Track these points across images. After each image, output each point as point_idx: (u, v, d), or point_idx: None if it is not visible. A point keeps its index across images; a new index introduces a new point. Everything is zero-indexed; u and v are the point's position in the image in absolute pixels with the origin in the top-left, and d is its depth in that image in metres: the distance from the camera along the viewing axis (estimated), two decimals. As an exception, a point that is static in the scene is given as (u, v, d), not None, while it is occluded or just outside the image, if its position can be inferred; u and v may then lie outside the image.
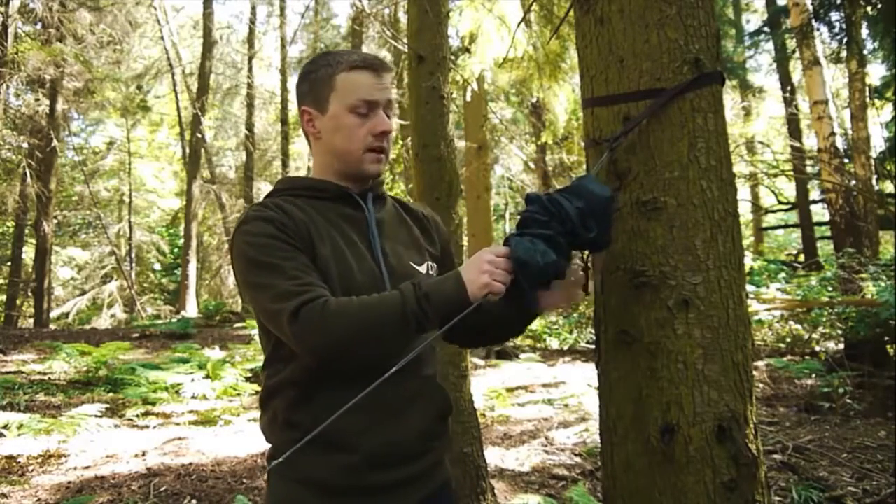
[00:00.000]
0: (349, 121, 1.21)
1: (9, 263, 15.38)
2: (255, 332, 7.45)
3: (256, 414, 5.23)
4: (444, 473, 1.29)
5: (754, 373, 1.45)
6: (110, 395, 5.95)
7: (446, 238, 1.43)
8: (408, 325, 1.05)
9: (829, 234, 9.26)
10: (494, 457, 4.00)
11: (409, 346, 1.08)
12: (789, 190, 14.16)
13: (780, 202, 13.27)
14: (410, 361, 1.04)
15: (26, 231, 14.77)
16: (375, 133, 1.21)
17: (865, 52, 8.10)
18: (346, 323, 1.05)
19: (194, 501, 3.36)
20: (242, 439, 4.50)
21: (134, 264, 19.10)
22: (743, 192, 15.33)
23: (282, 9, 19.25)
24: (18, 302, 15.24)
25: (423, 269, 1.27)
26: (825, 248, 12.02)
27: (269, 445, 1.22)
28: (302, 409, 1.14)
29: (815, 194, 12.23)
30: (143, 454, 4.14)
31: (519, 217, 1.13)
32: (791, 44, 9.47)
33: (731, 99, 13.65)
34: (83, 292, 17.92)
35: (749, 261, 9.16)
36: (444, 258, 1.38)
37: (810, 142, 12.01)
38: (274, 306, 1.07)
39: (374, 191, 1.29)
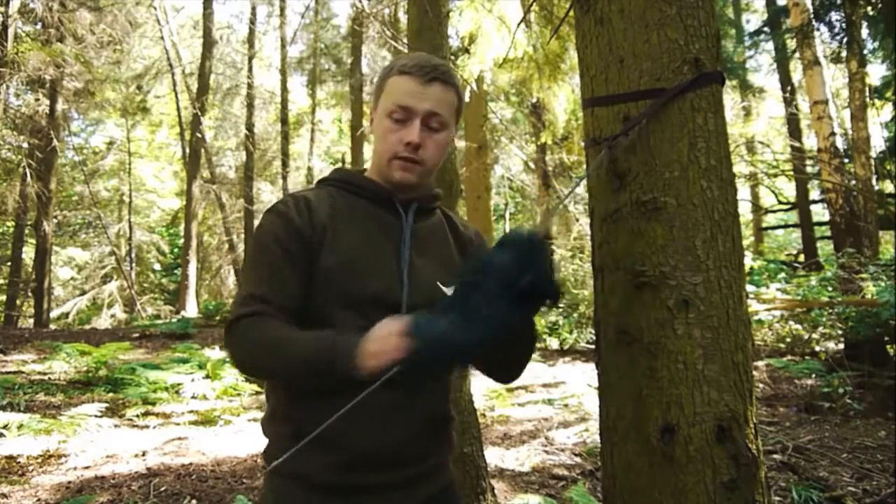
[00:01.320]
0: (384, 124, 1.20)
1: (9, 263, 15.38)
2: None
3: (256, 414, 5.25)
4: (443, 478, 1.27)
5: (754, 373, 1.45)
6: (110, 395, 5.95)
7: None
8: (313, 374, 1.06)
9: (829, 234, 9.26)
10: (494, 457, 4.00)
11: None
12: (789, 190, 14.16)
13: (780, 202, 13.27)
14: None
15: (26, 231, 14.77)
16: (403, 142, 1.18)
17: (865, 52, 8.10)
18: (258, 349, 1.09)
19: (194, 501, 3.36)
20: (242, 439, 4.51)
21: (134, 264, 19.11)
22: (743, 192, 15.34)
23: (282, 9, 19.24)
24: (18, 302, 15.24)
25: (450, 290, 1.21)
26: (825, 248, 12.01)
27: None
28: (297, 405, 1.15)
29: (815, 194, 12.23)
30: (143, 454, 4.14)
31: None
32: (791, 44, 9.46)
33: (731, 99, 13.65)
34: (83, 292, 17.92)
35: (749, 261, 9.15)
36: None
37: (810, 142, 12.01)
38: (233, 305, 1.14)
39: (421, 202, 1.26)
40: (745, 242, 14.05)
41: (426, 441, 1.20)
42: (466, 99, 7.72)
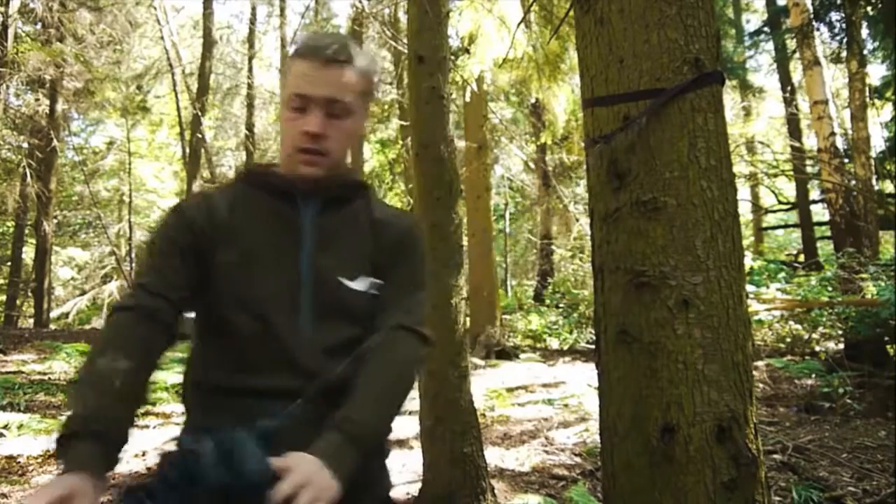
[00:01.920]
0: (284, 115, 1.11)
1: (9, 263, 15.38)
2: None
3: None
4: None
5: (754, 373, 1.45)
6: (110, 395, 5.94)
7: (399, 240, 1.19)
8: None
9: (829, 234, 9.26)
10: (494, 457, 4.00)
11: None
12: (789, 190, 14.16)
13: (780, 202, 13.26)
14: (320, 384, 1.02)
15: (26, 231, 14.77)
16: (302, 132, 1.07)
17: (865, 52, 8.10)
18: (95, 343, 1.05)
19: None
20: (242, 439, 4.49)
21: (134, 264, 19.09)
22: (743, 192, 15.32)
23: (282, 9, 19.22)
24: (18, 302, 15.23)
25: (359, 286, 1.11)
26: (825, 248, 12.01)
27: None
28: (199, 414, 1.10)
29: (815, 194, 12.22)
30: (143, 454, 4.14)
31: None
32: (791, 44, 9.46)
33: (731, 99, 13.65)
34: (83, 292, 17.93)
35: (749, 261, 9.15)
36: (389, 262, 1.16)
37: (810, 142, 12.01)
38: (126, 294, 1.10)
39: (327, 193, 1.14)
40: (745, 242, 14.05)
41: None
42: (467, 99, 7.74)
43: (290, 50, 1.14)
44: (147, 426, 4.82)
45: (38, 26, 12.81)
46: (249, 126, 18.25)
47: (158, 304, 1.04)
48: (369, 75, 1.14)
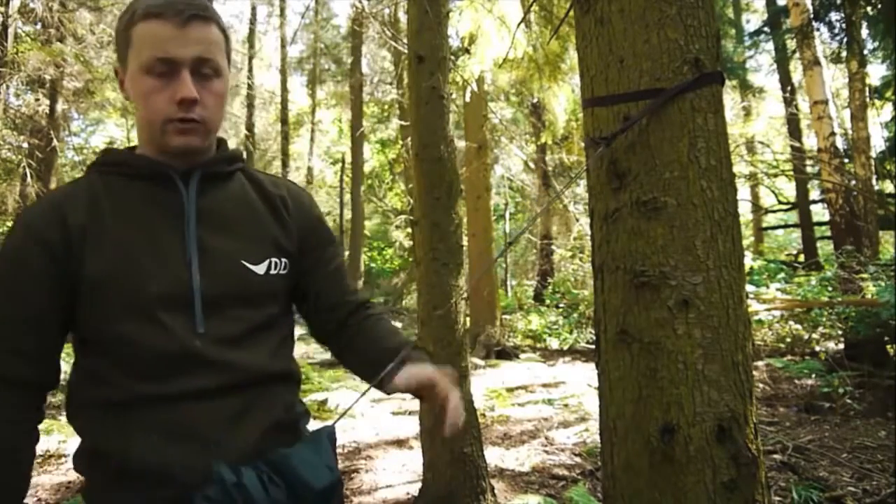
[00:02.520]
0: (144, 85, 0.95)
1: (9, 263, 15.37)
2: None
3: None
4: None
5: (754, 373, 1.45)
6: (110, 395, 5.94)
7: (310, 223, 1.13)
8: None
9: (829, 234, 9.26)
10: (494, 457, 4.00)
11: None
12: (789, 190, 14.16)
13: (780, 202, 13.27)
14: (232, 377, 0.94)
15: (26, 231, 14.77)
16: (175, 100, 0.94)
17: (865, 52, 8.10)
18: None
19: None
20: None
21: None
22: (743, 192, 15.33)
23: (282, 9, 19.25)
24: (18, 302, 15.23)
25: (260, 268, 1.02)
26: (825, 248, 12.01)
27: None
28: (114, 435, 0.93)
29: (815, 194, 12.22)
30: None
31: None
32: (791, 44, 9.46)
33: (731, 99, 13.65)
34: (83, 292, 17.92)
35: (749, 261, 9.15)
36: (305, 249, 1.10)
37: (810, 142, 12.01)
38: None
39: (208, 167, 1.02)
40: (745, 242, 14.05)
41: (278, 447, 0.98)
42: (467, 99, 7.74)
43: (127, 15, 0.98)
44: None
45: (38, 26, 12.80)
46: (249, 126, 18.26)
47: (20, 368, 0.93)
48: (227, 31, 1.04)
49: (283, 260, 1.05)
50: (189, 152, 0.99)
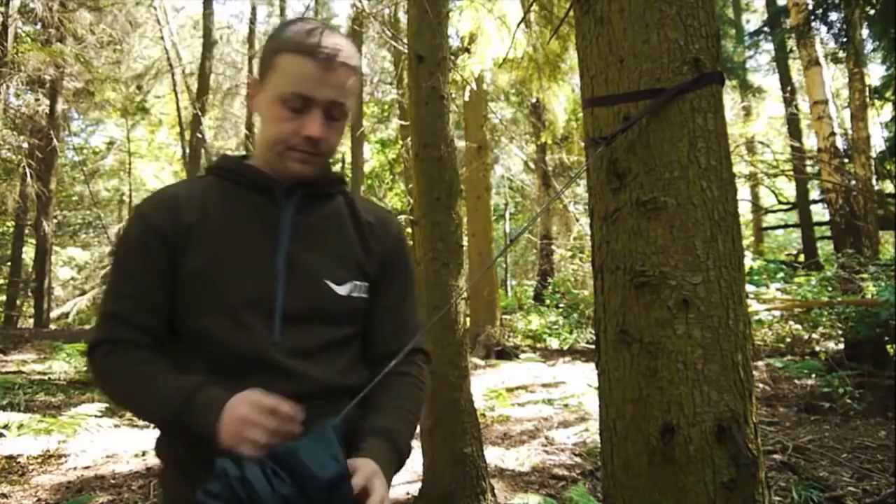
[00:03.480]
0: (277, 111, 1.03)
1: (9, 263, 15.39)
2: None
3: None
4: None
5: (754, 373, 1.45)
6: (110, 395, 5.94)
7: (392, 253, 1.16)
8: (170, 430, 1.01)
9: (829, 234, 9.26)
10: (494, 457, 4.00)
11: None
12: (789, 190, 14.17)
13: (780, 202, 13.27)
14: (301, 386, 0.97)
15: (26, 231, 14.77)
16: (302, 135, 1.02)
17: (865, 52, 8.10)
18: (115, 387, 1.04)
19: (194, 501, 3.36)
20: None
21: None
22: (743, 192, 15.34)
23: (282, 9, 19.25)
24: (18, 302, 15.24)
25: (343, 289, 1.07)
26: (825, 248, 12.02)
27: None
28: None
29: (815, 194, 12.23)
30: (143, 454, 4.14)
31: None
32: (791, 44, 9.47)
33: (731, 99, 13.65)
34: (83, 292, 17.93)
35: (749, 261, 9.16)
36: (384, 274, 1.14)
37: (810, 142, 12.02)
38: (95, 324, 1.06)
39: (309, 188, 1.09)
40: (745, 242, 14.05)
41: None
42: (467, 99, 7.74)
43: (279, 37, 1.06)
44: (147, 426, 4.83)
45: (38, 26, 12.80)
46: (249, 126, 18.25)
47: (131, 334, 1.02)
48: (360, 70, 1.10)
49: (365, 284, 1.11)
50: (301, 178, 1.07)
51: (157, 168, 22.85)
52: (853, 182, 7.75)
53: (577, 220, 11.40)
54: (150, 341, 1.03)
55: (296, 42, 1.02)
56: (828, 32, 7.63)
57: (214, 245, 1.02)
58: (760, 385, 5.73)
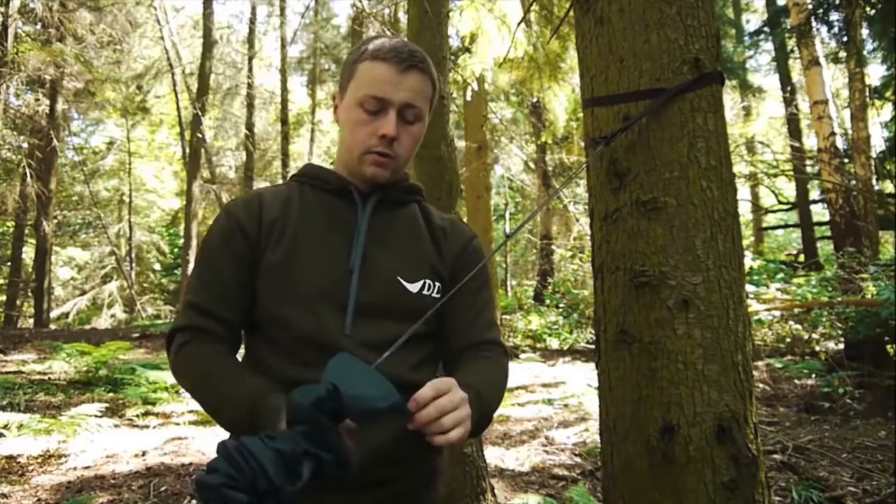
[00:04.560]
0: (355, 115, 1.10)
1: (9, 263, 15.40)
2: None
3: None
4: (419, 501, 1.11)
5: (754, 373, 1.45)
6: (110, 395, 5.94)
7: (464, 254, 1.20)
8: (231, 425, 1.02)
9: (829, 234, 9.26)
10: (494, 457, 4.00)
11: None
12: (789, 190, 14.18)
13: (780, 202, 13.28)
14: None
15: (26, 231, 14.78)
16: (377, 135, 1.08)
17: (865, 52, 8.10)
18: (187, 379, 1.07)
19: (194, 501, 3.36)
20: (242, 439, 4.49)
21: (134, 264, 19.12)
22: (743, 192, 15.35)
23: (282, 9, 19.26)
24: (18, 302, 15.24)
25: (415, 286, 1.11)
26: (825, 248, 12.02)
27: None
28: None
29: (815, 194, 12.23)
30: (143, 454, 4.14)
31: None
32: (791, 44, 9.47)
33: (731, 99, 13.66)
34: (83, 292, 17.93)
35: (749, 261, 9.16)
36: (457, 275, 1.17)
37: (810, 142, 12.03)
38: (178, 311, 1.09)
39: (386, 193, 1.16)
40: (745, 242, 14.06)
41: (395, 462, 1.04)
42: (467, 99, 7.73)
43: (358, 51, 1.13)
44: (147, 426, 4.83)
45: (38, 26, 12.81)
46: (249, 126, 18.26)
47: (210, 325, 1.07)
48: (436, 82, 1.16)
49: (437, 284, 1.14)
50: (377, 181, 1.12)
51: (157, 168, 22.87)
52: (853, 182, 7.76)
53: (577, 220, 11.41)
54: (226, 333, 1.08)
55: (373, 51, 1.09)
56: (828, 32, 7.64)
57: (294, 240, 1.09)
58: (760, 385, 5.73)
